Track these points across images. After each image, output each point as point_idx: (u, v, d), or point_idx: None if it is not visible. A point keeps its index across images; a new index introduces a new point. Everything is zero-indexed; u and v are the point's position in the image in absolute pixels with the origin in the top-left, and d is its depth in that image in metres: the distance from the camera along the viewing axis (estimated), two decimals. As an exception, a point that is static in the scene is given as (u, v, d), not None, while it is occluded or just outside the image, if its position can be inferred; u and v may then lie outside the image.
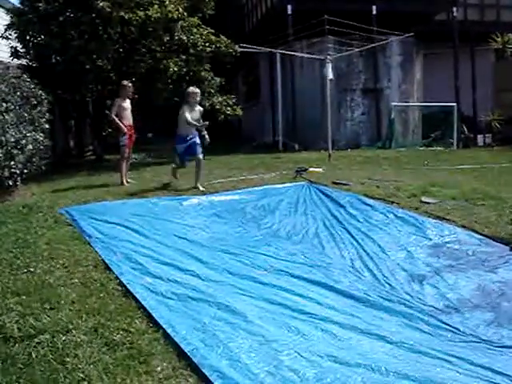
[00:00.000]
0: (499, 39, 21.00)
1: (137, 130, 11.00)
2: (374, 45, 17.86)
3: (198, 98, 9.92)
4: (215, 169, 12.09)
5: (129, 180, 10.49)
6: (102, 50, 13.74)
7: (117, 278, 4.98)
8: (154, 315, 4.12)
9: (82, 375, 3.37)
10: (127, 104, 10.47)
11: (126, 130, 10.18)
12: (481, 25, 22.67)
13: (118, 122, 10.17)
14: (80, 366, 3.47)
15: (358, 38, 17.75)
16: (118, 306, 4.37)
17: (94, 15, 13.57)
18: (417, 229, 6.74)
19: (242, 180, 10.14)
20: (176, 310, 4.23)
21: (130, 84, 10.80)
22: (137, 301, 4.44)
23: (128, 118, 10.37)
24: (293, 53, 17.83)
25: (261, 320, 4.07)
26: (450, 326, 4.27)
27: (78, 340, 3.80)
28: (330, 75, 14.36)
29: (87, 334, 3.91)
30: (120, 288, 4.76)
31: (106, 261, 5.40)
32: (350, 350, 3.68)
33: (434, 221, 7.01)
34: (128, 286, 4.71)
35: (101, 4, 13.18)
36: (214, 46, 15.08)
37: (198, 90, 9.90)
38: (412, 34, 18.09)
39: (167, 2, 14.07)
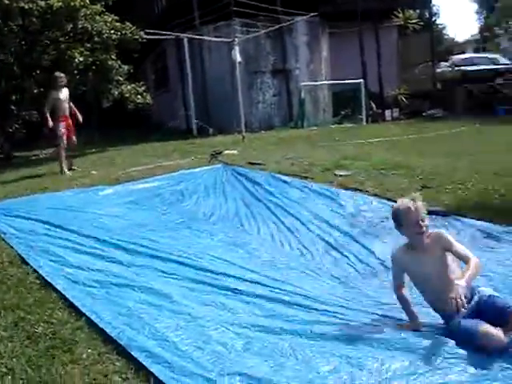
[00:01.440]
0: (401, 15, 21.70)
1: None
2: (279, 25, 18.02)
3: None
4: (130, 157, 11.94)
5: (73, 168, 10.70)
6: (3, 43, 13.22)
7: (34, 271, 4.84)
8: (76, 304, 4.04)
9: (5, 370, 3.27)
10: (62, 95, 10.48)
11: (50, 124, 10.33)
12: (382, 2, 23.26)
13: (47, 117, 10.36)
14: (2, 362, 3.37)
15: (265, 20, 17.88)
16: (37, 299, 4.26)
17: (-8, 7, 13.02)
18: (332, 201, 6.93)
19: (158, 167, 10.04)
20: (99, 298, 4.16)
21: (62, 74, 10.75)
22: (57, 292, 4.34)
23: (63, 109, 10.46)
24: (200, 37, 17.73)
25: (186, 299, 4.07)
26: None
27: (-1, 336, 3.69)
28: (238, 58, 14.43)
29: (7, 329, 3.80)
30: (38, 281, 4.63)
31: (23, 255, 5.24)
32: (275, 318, 3.74)
33: (349, 192, 7.21)
34: (47, 278, 4.59)
35: (-2, -5, 12.66)
36: (119, 33, 14.79)
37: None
38: (316, 13, 18.39)
39: (69, -10, 13.65)
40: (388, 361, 3.03)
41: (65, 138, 10.47)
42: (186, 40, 18.28)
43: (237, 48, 14.44)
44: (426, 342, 3.22)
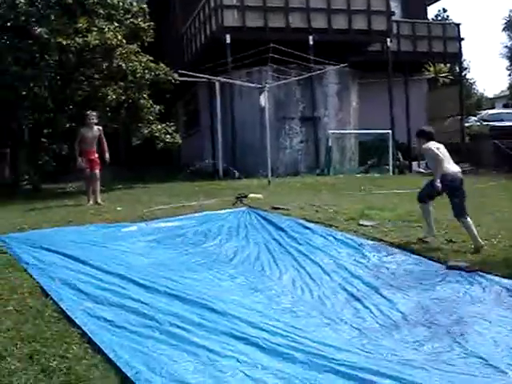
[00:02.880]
0: (432, 68, 21.83)
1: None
2: (310, 74, 18.22)
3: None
4: (155, 195, 12.02)
5: (98, 201, 11.09)
6: (39, 76, 13.55)
7: (53, 304, 4.85)
8: (95, 340, 4.03)
9: (17, 403, 3.25)
10: (91, 132, 11.10)
11: (79, 159, 11.04)
12: (413, 55, 23.49)
13: (75, 151, 11.15)
14: (15, 394, 3.35)
15: (296, 67, 18.11)
16: (54, 333, 4.25)
17: (31, 41, 13.39)
18: (356, 250, 6.86)
19: (182, 206, 10.08)
20: (118, 335, 4.15)
21: (94, 112, 11.35)
22: (74, 326, 4.34)
23: (89, 144, 11.10)
24: (231, 81, 17.99)
25: (205, 341, 4.03)
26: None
27: (13, 367, 3.68)
28: (263, 103, 14.59)
29: (22, 360, 3.78)
30: (56, 314, 4.64)
31: (45, 287, 5.26)
32: (295, 367, 3.67)
33: (372, 242, 7.14)
34: (67, 311, 4.59)
35: (38, 30, 13.03)
36: (153, 74, 15.09)
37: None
38: (347, 64, 18.59)
39: (106, 29, 14.02)
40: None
41: (88, 171, 11.07)
42: (217, 84, 18.57)
43: (263, 94, 14.61)
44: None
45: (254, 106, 17.25)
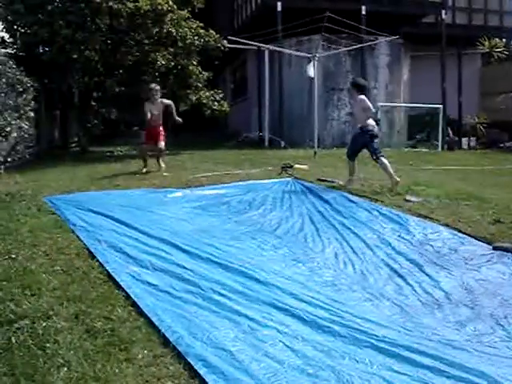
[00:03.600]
0: (486, 43, 21.17)
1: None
2: (362, 45, 17.90)
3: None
4: (200, 163, 12.07)
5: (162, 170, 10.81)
6: (90, 40, 13.66)
7: (100, 266, 4.95)
8: (139, 304, 4.10)
9: (61, 361, 3.34)
10: (155, 108, 10.79)
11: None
12: (468, 28, 22.84)
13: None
14: (60, 352, 3.45)
15: (347, 38, 17.80)
16: (99, 294, 4.34)
17: (82, 5, 13.48)
18: (400, 226, 6.77)
19: (227, 174, 10.10)
20: (161, 300, 4.21)
21: (157, 87, 11.05)
22: (119, 289, 4.42)
23: (153, 119, 10.75)
24: (281, 49, 17.81)
25: (247, 310, 4.06)
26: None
27: (59, 326, 3.77)
28: (311, 73, 14.40)
29: (68, 320, 3.88)
30: (102, 276, 4.74)
31: (92, 249, 5.37)
32: (335, 341, 3.68)
33: (418, 219, 7.04)
34: (113, 273, 4.68)
35: (90, -6, 13.11)
36: (202, 40, 15.04)
37: (157, 87, 10.99)
38: (399, 35, 18.18)
39: (157, -6, 14.00)
40: None
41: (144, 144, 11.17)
42: (266, 52, 18.42)
43: (311, 63, 14.41)
44: None
45: (303, 76, 17.06)
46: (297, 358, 3.46)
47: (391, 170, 8.61)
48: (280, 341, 3.66)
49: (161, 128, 10.99)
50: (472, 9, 23.18)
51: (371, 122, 8.69)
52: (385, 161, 8.67)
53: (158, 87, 11.05)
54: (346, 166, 9.43)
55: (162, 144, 10.89)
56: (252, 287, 4.53)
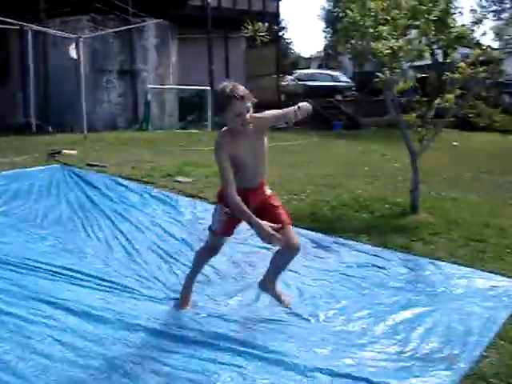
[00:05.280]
0: (250, 27, 22.26)
1: None
2: (129, 27, 17.75)
3: None
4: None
5: None
6: None
7: None
8: None
9: None
10: None
11: None
12: (233, 12, 23.72)
13: None
14: None
15: (115, 19, 17.53)
16: None
17: None
18: (171, 207, 6.91)
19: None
20: None
21: None
22: None
23: None
24: (44, 29, 16.94)
25: (12, 307, 3.87)
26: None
27: None
28: (73, 54, 14.05)
29: None
30: None
31: None
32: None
33: (188, 199, 7.24)
34: None
35: None
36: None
37: None
38: (165, 17, 18.34)
39: None
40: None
41: None
42: (30, 32, 17.37)
43: (75, 45, 14.03)
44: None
45: (69, 58, 16.50)
46: (67, 350, 3.39)
47: None
48: (49, 335, 3.55)
49: None
50: (237, -7, 24.10)
51: None
52: None
53: None
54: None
55: None
56: (20, 283, 4.32)
